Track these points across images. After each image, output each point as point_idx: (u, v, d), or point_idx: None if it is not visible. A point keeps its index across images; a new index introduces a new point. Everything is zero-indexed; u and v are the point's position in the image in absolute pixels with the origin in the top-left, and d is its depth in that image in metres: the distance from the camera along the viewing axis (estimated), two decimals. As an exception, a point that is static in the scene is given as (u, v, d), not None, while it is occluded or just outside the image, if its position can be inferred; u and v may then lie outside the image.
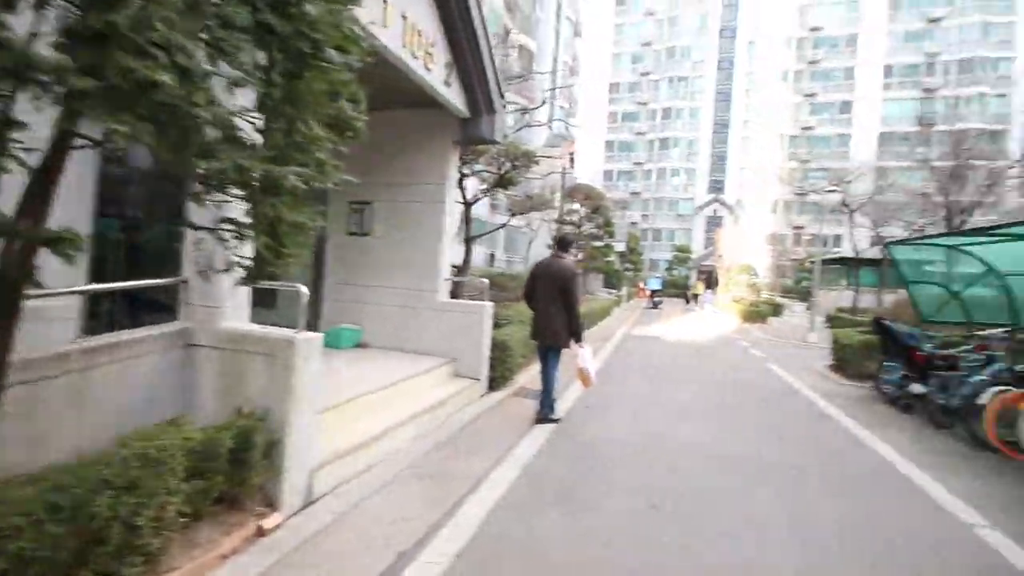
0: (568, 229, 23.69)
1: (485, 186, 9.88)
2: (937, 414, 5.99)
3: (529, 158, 9.02)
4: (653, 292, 28.10)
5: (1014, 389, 5.14)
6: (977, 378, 5.57)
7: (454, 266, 8.79)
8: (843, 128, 47.16)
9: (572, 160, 34.64)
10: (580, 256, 22.45)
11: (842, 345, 8.74)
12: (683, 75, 56.65)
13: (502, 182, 9.15)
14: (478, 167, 9.39)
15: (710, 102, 56.89)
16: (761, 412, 6.50)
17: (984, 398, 5.24)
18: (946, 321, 7.82)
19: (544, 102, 13.82)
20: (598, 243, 23.86)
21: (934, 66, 44.07)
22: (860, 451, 5.14)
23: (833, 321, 15.05)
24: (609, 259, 24.38)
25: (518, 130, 16.14)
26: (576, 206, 22.80)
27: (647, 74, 58.46)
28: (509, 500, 3.46)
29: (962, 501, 3.89)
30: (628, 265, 44.20)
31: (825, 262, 16.20)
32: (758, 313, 19.68)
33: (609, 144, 60.45)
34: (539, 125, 15.86)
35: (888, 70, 45.51)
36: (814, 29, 48.37)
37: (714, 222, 52.88)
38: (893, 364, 7.11)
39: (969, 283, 7.61)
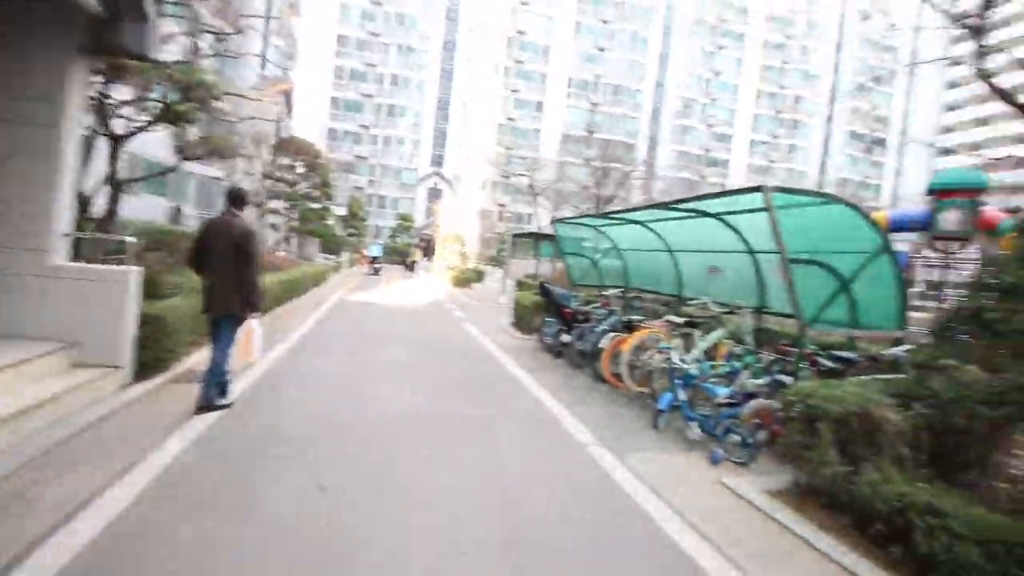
0: (281, 187, 21.32)
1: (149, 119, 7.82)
2: (575, 357, 7.64)
3: (208, 90, 7.46)
4: (374, 259, 28.46)
5: (623, 335, 6.93)
6: (600, 328, 7.25)
7: (90, 219, 6.75)
8: (537, 124, 55.64)
9: (289, 107, 31.00)
10: (277, 216, 20.42)
11: (520, 306, 10.34)
12: (412, 45, 57.00)
13: (169, 116, 7.36)
14: (149, 96, 7.34)
15: (435, 77, 58.98)
16: (451, 363, 7.15)
17: (603, 343, 6.89)
18: (588, 284, 10.08)
19: (240, 31, 11.73)
20: (315, 205, 22.23)
21: (598, 86, 55.84)
22: (515, 385, 6.21)
23: (520, 286, 17.83)
24: (327, 223, 22.99)
25: (210, 57, 13.36)
26: (288, 161, 20.60)
27: (378, 35, 56.66)
28: (121, 526, 2.58)
29: (579, 421, 5.06)
30: (352, 230, 42.92)
31: (517, 236, 19.02)
32: (466, 279, 21.78)
33: (335, 101, 56.68)
34: (235, 57, 13.44)
35: (570, 82, 55.49)
36: (520, 32, 55.03)
37: (435, 194, 55.82)
38: (552, 320, 8.76)
39: (603, 255, 9.95)
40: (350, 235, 42.36)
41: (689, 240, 7.21)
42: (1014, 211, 16.43)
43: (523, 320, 10.24)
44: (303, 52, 45.38)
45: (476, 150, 54.18)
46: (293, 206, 20.71)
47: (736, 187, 4.68)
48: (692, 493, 3.68)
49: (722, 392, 4.51)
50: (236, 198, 4.82)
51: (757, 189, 4.20)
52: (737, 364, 5.28)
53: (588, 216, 8.79)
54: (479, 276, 25.77)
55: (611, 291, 9.00)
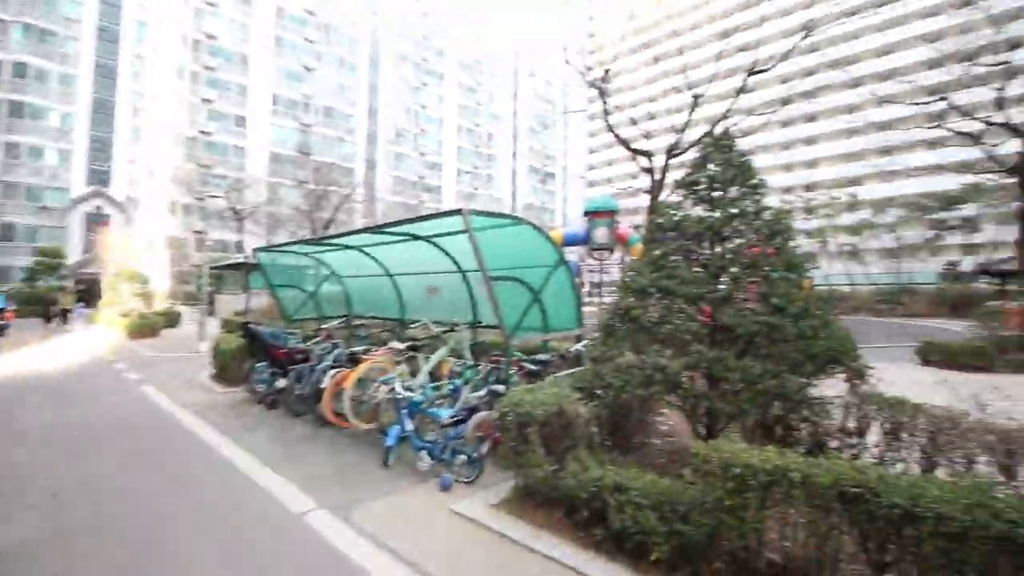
0: None
1: None
2: (296, 404, 6.69)
3: None
4: None
5: (347, 370, 6.34)
6: (322, 365, 6.52)
7: None
8: (239, 140, 49.51)
9: None
10: None
11: (221, 351, 8.62)
12: (45, 26, 43.16)
13: None
14: None
15: (88, 73, 46.20)
16: (122, 451, 5.30)
17: (324, 381, 6.18)
18: (306, 318, 9.12)
19: None
20: None
21: (309, 106, 53.31)
22: (207, 459, 5.00)
23: (227, 326, 15.14)
24: None
25: None
26: None
27: (-29, 2, 40.86)
28: None
29: (292, 483, 4.31)
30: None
31: (216, 267, 16.09)
32: (149, 326, 17.39)
33: None
34: None
35: (276, 98, 51.34)
36: (210, 36, 48.13)
37: (98, 220, 43.52)
38: (263, 364, 7.52)
39: (320, 283, 9.15)
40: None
41: (407, 263, 7.17)
42: (638, 228, 22.41)
43: (227, 369, 8.52)
44: None
45: (159, 167, 44.81)
46: None
47: (440, 211, 4.78)
48: (421, 532, 3.47)
49: (445, 414, 4.49)
50: None
51: (457, 212, 4.35)
52: (458, 381, 5.40)
53: (298, 242, 7.90)
54: (172, 320, 21.06)
55: (332, 322, 8.31)
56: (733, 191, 3.72)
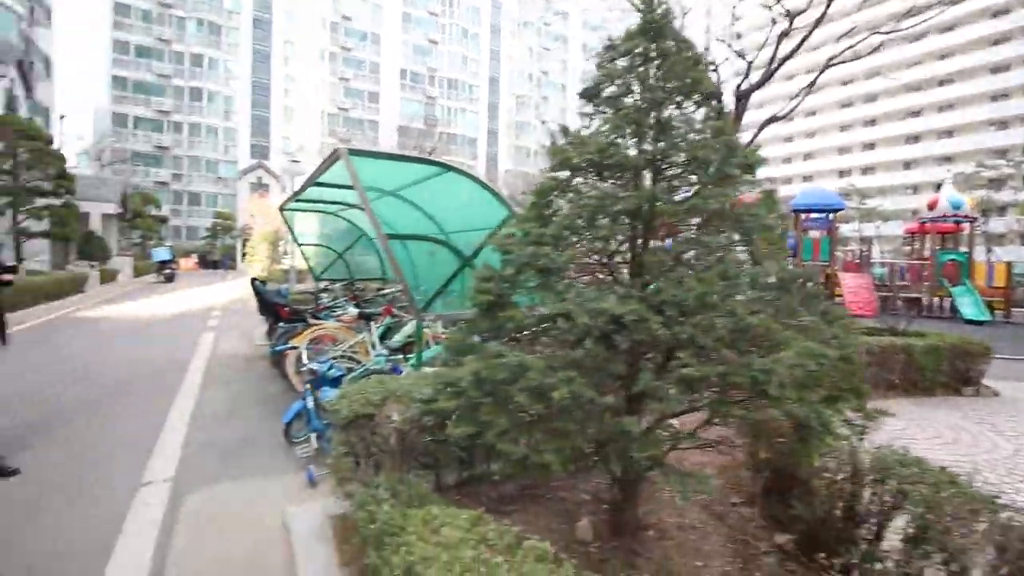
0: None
1: None
2: (275, 363, 6.58)
3: None
4: (162, 264, 25.38)
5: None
6: (285, 327, 6.30)
7: None
8: (374, 115, 53.14)
9: (27, 84, 24.98)
10: None
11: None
12: (215, 20, 50.19)
13: None
14: None
15: (247, 59, 52.83)
16: (125, 374, 5.58)
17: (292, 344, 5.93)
18: (337, 279, 9.05)
19: None
20: (52, 201, 17.91)
21: (434, 79, 55.11)
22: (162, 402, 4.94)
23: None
24: (71, 224, 18.74)
25: None
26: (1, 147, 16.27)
27: (168, 5, 48.79)
28: None
29: (191, 445, 4.02)
30: (150, 233, 36.57)
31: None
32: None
33: (120, 82, 47.62)
34: None
35: (403, 73, 53.90)
36: (346, 18, 51.83)
37: (259, 188, 50.25)
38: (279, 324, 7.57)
39: (352, 244, 8.97)
40: (142, 238, 35.97)
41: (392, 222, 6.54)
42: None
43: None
44: (65, 18, 37.31)
45: (307, 141, 50.04)
46: (11, 203, 16.40)
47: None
48: (229, 535, 2.87)
49: (331, 395, 3.82)
50: None
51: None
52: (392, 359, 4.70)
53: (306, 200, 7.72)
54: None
55: (338, 284, 8.11)
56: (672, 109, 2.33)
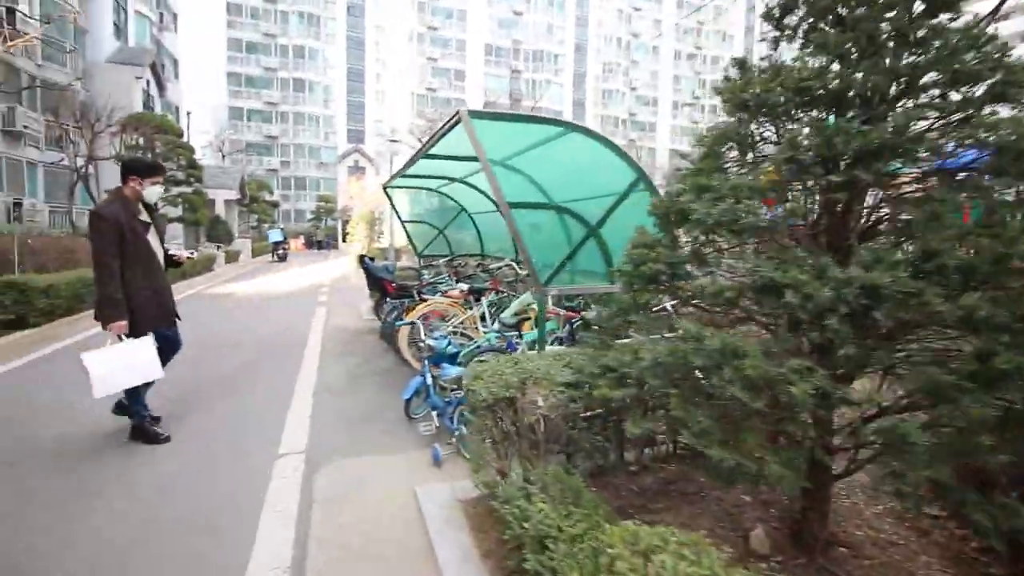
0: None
1: None
2: (388, 338, 6.69)
3: None
4: (276, 244, 27.62)
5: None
6: (393, 303, 6.32)
7: None
8: (460, 93, 53.51)
9: (159, 82, 27.80)
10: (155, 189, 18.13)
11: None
12: (313, 12, 52.88)
13: None
14: None
15: (342, 47, 55.29)
16: (251, 353, 5.99)
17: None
18: (438, 255, 9.09)
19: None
20: (185, 189, 19.96)
21: (519, 52, 54.20)
22: (285, 381, 5.15)
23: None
24: (200, 209, 20.77)
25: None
26: (142, 141, 18.27)
27: (273, 1, 52.09)
28: None
29: (313, 420, 4.12)
30: (264, 217, 40.05)
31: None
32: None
33: (234, 77, 52.04)
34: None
35: (488, 48, 53.52)
36: (433, -4, 52.23)
37: (355, 172, 53.01)
38: (388, 300, 7.74)
39: (451, 219, 8.95)
40: (261, 222, 39.44)
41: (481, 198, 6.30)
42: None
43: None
44: (187, 22, 41.07)
45: (397, 123, 51.70)
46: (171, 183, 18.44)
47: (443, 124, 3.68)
48: (359, 512, 2.81)
49: (453, 372, 3.66)
50: (125, 167, 3.71)
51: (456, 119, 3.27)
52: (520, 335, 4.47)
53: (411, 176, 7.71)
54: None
55: (442, 260, 8.07)
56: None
